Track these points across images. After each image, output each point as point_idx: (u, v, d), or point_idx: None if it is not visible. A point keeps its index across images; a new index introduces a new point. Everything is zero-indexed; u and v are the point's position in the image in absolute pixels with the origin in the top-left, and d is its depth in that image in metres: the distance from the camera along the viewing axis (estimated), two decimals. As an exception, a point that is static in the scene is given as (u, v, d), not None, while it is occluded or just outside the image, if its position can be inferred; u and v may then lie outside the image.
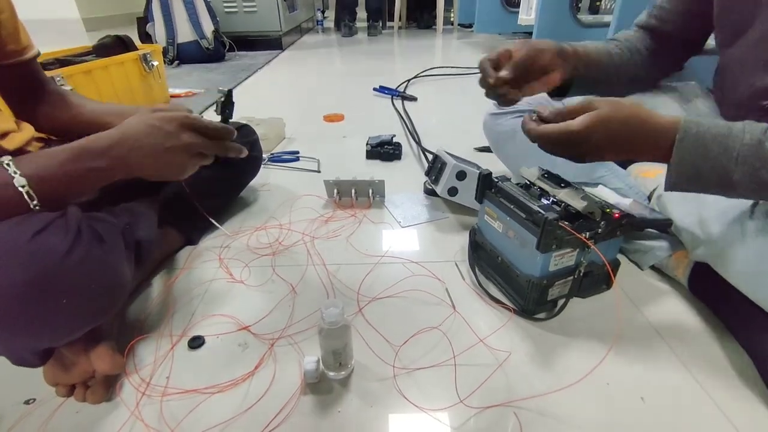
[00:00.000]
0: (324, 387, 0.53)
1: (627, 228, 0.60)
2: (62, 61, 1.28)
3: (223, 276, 0.73)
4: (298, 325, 0.63)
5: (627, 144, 0.51)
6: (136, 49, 1.48)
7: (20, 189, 0.44)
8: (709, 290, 0.63)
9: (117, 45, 1.45)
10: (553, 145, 0.53)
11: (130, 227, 0.60)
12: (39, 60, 0.73)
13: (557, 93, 0.73)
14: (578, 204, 0.57)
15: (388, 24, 4.17)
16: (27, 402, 0.52)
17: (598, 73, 0.73)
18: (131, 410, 0.50)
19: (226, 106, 0.69)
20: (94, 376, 0.52)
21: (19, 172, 0.44)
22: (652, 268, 0.72)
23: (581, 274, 0.61)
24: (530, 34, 2.41)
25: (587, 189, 0.69)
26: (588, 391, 0.52)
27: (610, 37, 0.80)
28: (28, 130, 0.71)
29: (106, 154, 0.50)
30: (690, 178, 0.50)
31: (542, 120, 0.54)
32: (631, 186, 0.78)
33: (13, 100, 0.70)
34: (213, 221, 0.79)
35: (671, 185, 0.51)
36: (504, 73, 0.61)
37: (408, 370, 0.55)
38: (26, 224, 0.42)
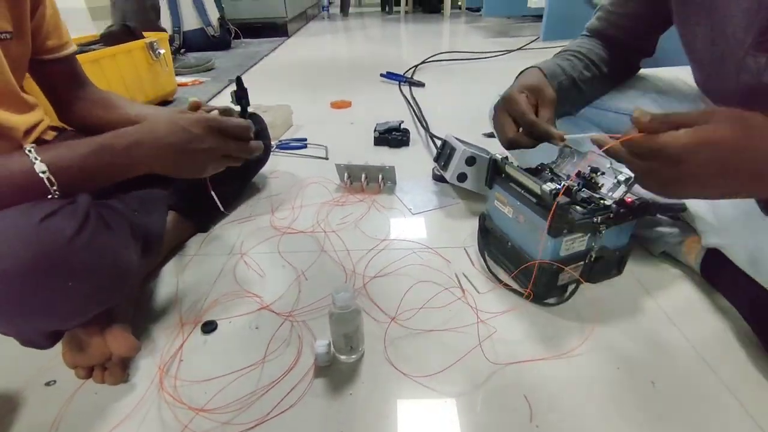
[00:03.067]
0: (336, 370, 0.54)
1: (640, 212, 0.60)
2: (70, 50, 1.27)
3: (234, 262, 0.74)
4: (309, 308, 0.63)
5: (745, 172, 0.38)
6: (142, 37, 1.48)
7: (41, 175, 0.45)
8: (721, 276, 0.63)
9: (124, 33, 1.44)
10: (640, 159, 0.42)
11: (138, 214, 0.61)
12: None
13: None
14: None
15: (395, 9, 4.11)
16: (48, 384, 0.54)
17: (575, 94, 0.71)
18: (149, 391, 0.52)
19: (241, 94, 0.69)
20: (111, 359, 0.53)
21: (39, 158, 0.46)
22: (664, 253, 0.71)
23: (592, 259, 0.61)
24: (540, 17, 2.36)
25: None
26: (598, 374, 0.52)
27: (566, 48, 0.76)
28: (37, 113, 0.72)
29: (128, 153, 0.51)
30: None
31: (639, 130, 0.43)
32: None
33: (52, 98, 0.72)
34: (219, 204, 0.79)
35: None
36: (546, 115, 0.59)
37: (421, 355, 0.56)
38: (37, 208, 0.43)
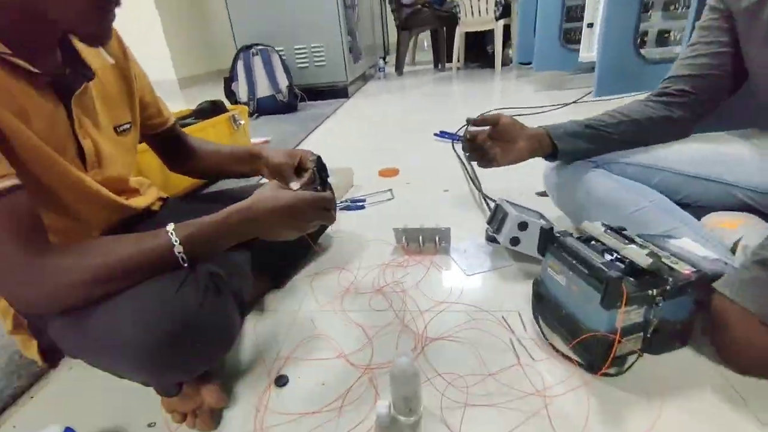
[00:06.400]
0: (395, 431, 0.58)
1: (697, 286, 0.60)
2: (170, 125, 1.52)
3: (304, 320, 0.82)
4: (373, 367, 0.68)
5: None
6: (227, 111, 1.71)
7: (177, 254, 0.54)
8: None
9: (212, 109, 1.69)
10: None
11: (231, 278, 0.71)
12: None
13: (551, 157, 0.91)
14: (643, 261, 0.59)
15: (447, 65, 4.32)
16: (150, 425, 0.62)
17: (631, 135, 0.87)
18: (231, 440, 0.59)
19: (321, 171, 0.79)
20: (202, 407, 0.61)
21: (178, 240, 0.54)
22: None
23: (651, 331, 0.61)
24: (592, 69, 2.39)
25: (672, 241, 0.69)
26: (661, 454, 0.51)
27: (645, 99, 0.88)
28: (152, 193, 0.86)
29: (242, 229, 0.59)
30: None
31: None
32: (707, 238, 0.76)
33: (166, 159, 0.91)
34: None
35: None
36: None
37: (475, 422, 0.58)
38: (169, 280, 0.53)
